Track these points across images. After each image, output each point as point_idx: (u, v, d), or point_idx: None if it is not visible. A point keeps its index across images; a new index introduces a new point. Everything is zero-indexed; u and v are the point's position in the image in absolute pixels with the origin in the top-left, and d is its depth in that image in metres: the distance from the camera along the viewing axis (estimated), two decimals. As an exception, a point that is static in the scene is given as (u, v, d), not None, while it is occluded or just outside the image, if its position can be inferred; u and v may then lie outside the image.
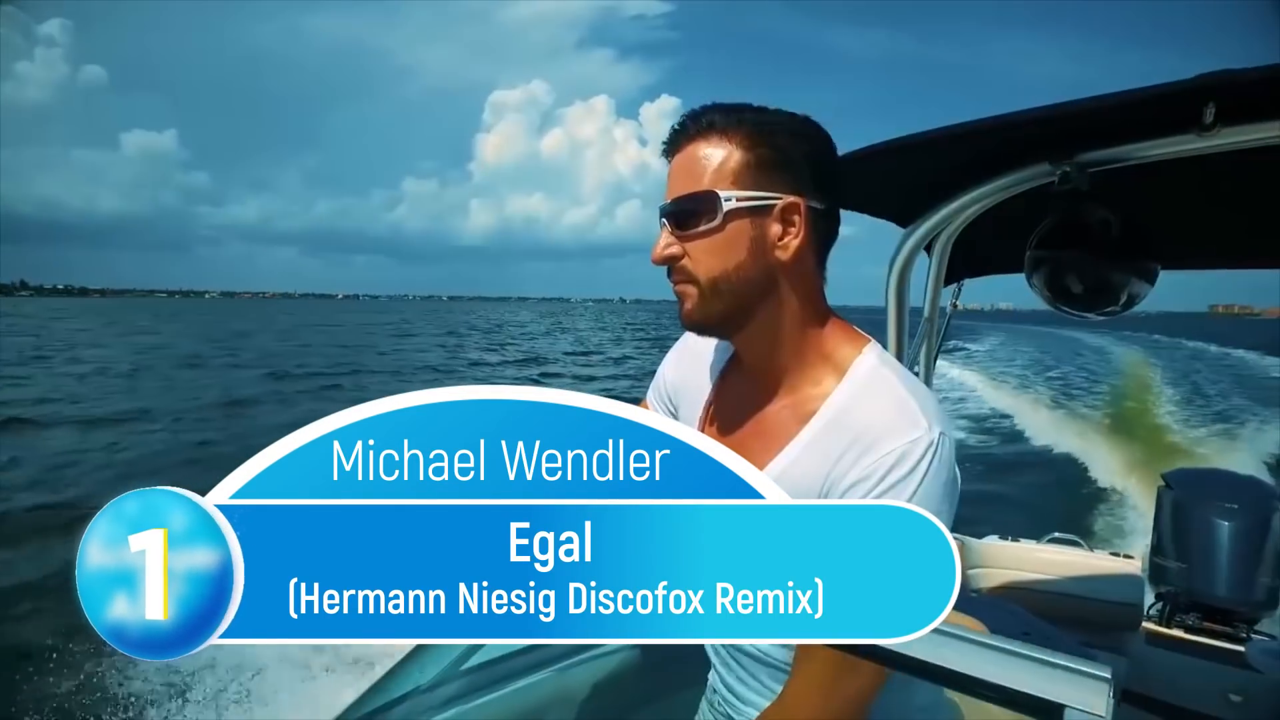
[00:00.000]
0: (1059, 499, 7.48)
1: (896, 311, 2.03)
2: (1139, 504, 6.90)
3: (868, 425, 0.81)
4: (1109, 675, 0.67)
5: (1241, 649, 2.37)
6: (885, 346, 1.95)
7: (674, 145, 0.84)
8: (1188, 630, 2.59)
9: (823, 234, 0.86)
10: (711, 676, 1.08)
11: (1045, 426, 11.67)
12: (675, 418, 1.06)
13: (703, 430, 0.99)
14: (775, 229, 0.82)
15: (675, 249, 0.83)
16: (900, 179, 1.62)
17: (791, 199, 0.81)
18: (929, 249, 1.93)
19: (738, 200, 0.80)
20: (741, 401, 0.94)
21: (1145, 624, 2.67)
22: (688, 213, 0.82)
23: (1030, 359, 22.06)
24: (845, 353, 0.86)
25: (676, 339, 1.08)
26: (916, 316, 2.09)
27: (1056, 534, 2.89)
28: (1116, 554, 2.80)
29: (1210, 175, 1.40)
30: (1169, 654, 2.53)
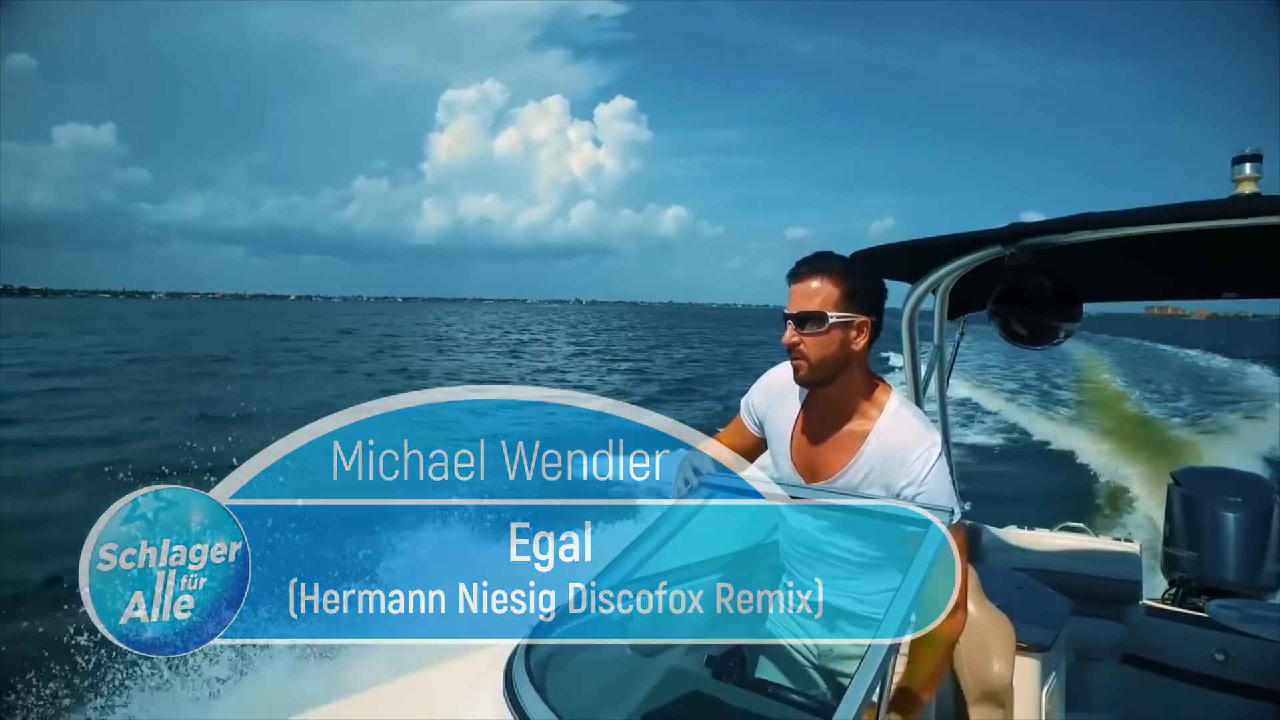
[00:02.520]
0: (1063, 490, 8.50)
1: (909, 341, 2.76)
2: (1132, 491, 7.94)
3: (901, 441, 1.47)
4: (951, 509, 1.33)
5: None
6: (901, 366, 2.91)
7: (795, 275, 1.48)
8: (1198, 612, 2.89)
9: (875, 332, 1.50)
10: (791, 569, 1.64)
11: (1038, 426, 12.80)
12: (762, 430, 1.69)
13: (792, 442, 1.61)
14: (852, 333, 1.47)
15: (797, 339, 1.47)
16: (909, 257, 2.44)
17: (862, 318, 1.47)
18: (934, 292, 2.65)
19: (835, 318, 1.45)
20: (820, 425, 1.57)
21: (1145, 600, 3.03)
22: (806, 320, 1.45)
23: (1000, 360, 23.40)
24: (881, 399, 1.53)
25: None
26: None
27: (1068, 523, 3.29)
28: (1119, 539, 3.17)
29: (1114, 242, 2.04)
30: (1164, 623, 2.92)
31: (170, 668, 3.66)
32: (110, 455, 9.13)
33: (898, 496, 1.47)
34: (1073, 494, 8.39)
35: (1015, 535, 3.19)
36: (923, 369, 2.90)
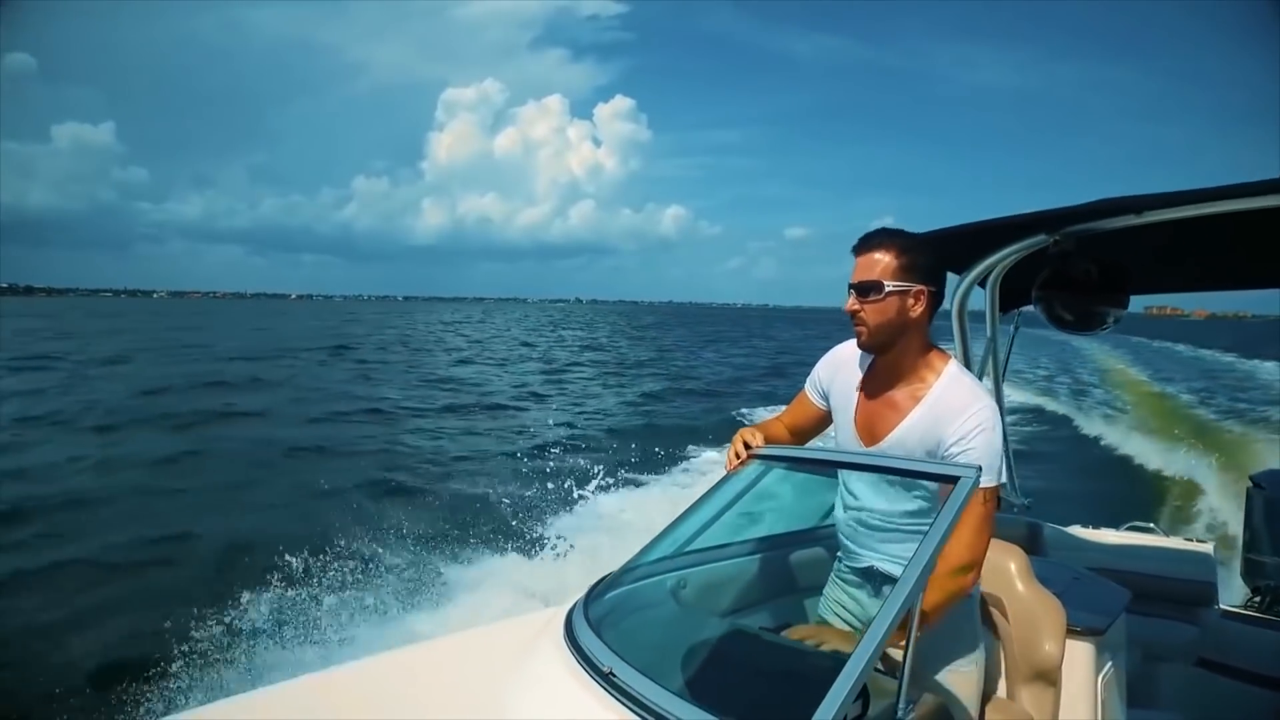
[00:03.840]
0: (1120, 491, 8.23)
1: (960, 333, 2.77)
2: (1202, 492, 7.75)
3: (954, 403, 1.50)
4: (976, 469, 1.36)
5: None
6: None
7: (859, 249, 1.55)
8: None
9: (934, 303, 1.55)
10: (844, 540, 1.71)
11: (1085, 423, 12.86)
12: (827, 400, 1.74)
13: (856, 404, 1.65)
14: (910, 301, 1.52)
15: (857, 306, 1.53)
16: (957, 246, 2.38)
17: (919, 288, 1.52)
18: (983, 284, 2.69)
19: (891, 287, 1.51)
20: (879, 388, 1.61)
21: (1221, 605, 2.89)
22: (866, 289, 1.52)
23: (1026, 360, 23.92)
24: (939, 364, 1.57)
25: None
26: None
27: (1135, 522, 3.17)
28: (1190, 539, 3.03)
29: (1164, 227, 1.97)
30: (1244, 628, 2.77)
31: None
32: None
33: (942, 456, 1.49)
34: (1132, 494, 8.21)
35: (1079, 533, 3.09)
36: (974, 367, 2.78)
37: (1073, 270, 2.30)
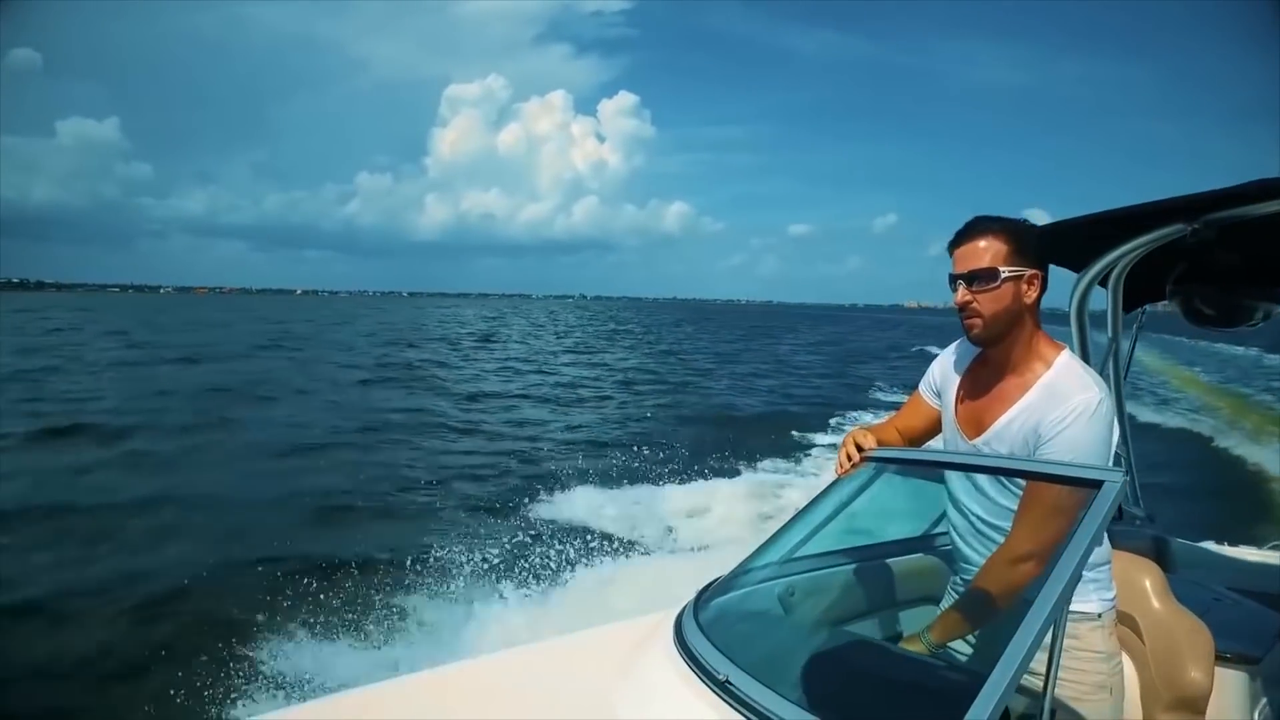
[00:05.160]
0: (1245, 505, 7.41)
1: (1079, 331, 2.53)
2: None
3: (1063, 390, 1.44)
4: (1121, 472, 1.20)
5: None
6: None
7: (960, 239, 1.50)
8: None
9: (1043, 288, 1.51)
10: (958, 551, 1.63)
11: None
12: (939, 396, 1.70)
13: (959, 396, 1.63)
14: (1024, 287, 1.48)
15: (969, 297, 1.48)
16: (1076, 241, 2.24)
17: (1031, 271, 1.48)
18: (1104, 283, 2.45)
19: (1006, 273, 1.46)
20: (985, 380, 1.58)
21: None
22: (978, 278, 1.47)
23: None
24: (1051, 353, 1.51)
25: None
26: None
27: None
28: None
29: None
30: None
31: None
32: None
33: (1035, 446, 1.44)
34: (1257, 508, 7.54)
35: (1215, 549, 2.86)
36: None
37: (1215, 262, 2.15)
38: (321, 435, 11.12)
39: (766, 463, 9.08)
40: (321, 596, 4.85)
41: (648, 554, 5.73)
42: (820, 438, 10.83)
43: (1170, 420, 12.34)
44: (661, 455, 8.82)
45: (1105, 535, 1.38)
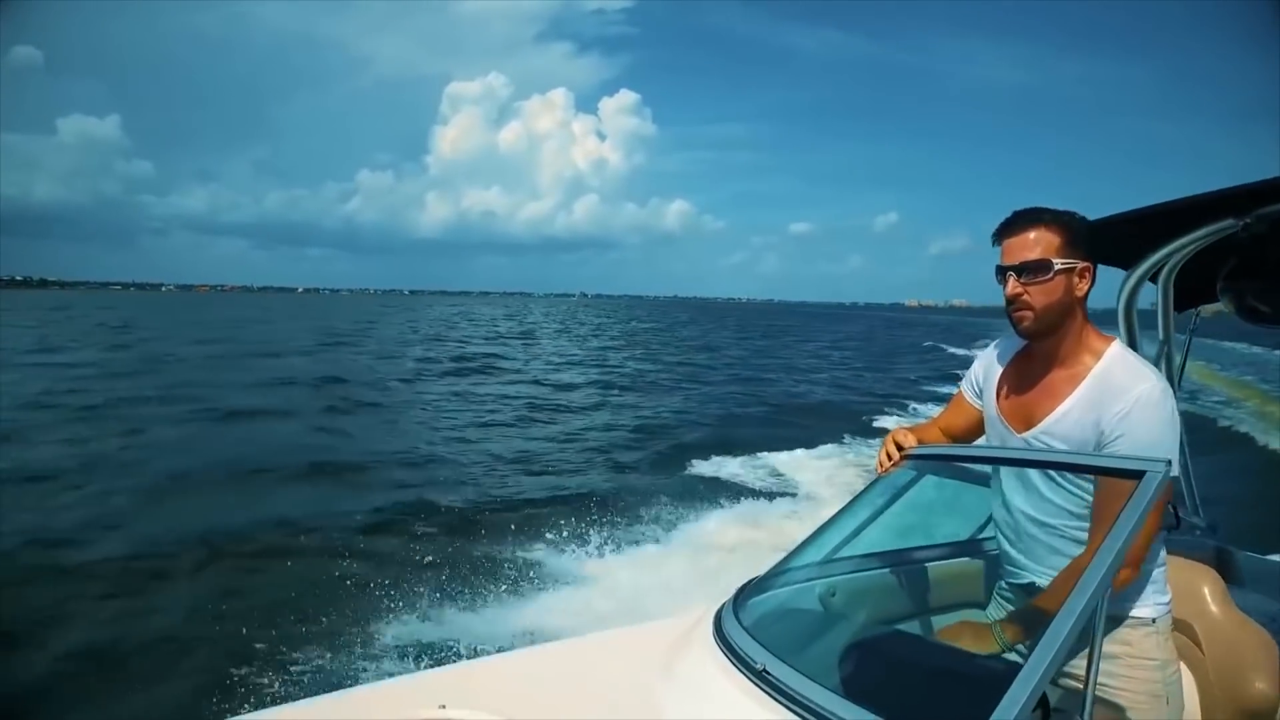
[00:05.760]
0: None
1: (1128, 331, 2.45)
2: None
3: (1119, 381, 1.39)
4: (1166, 462, 1.17)
5: None
6: None
7: (1008, 231, 1.45)
8: None
9: (1093, 281, 1.46)
10: (1004, 552, 1.58)
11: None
12: (981, 394, 1.65)
13: (1003, 391, 1.57)
14: (1076, 279, 1.44)
15: (1020, 290, 1.43)
16: (1123, 237, 2.14)
17: (1084, 263, 1.44)
18: (1154, 279, 2.35)
19: (1060, 264, 1.41)
20: (1032, 374, 1.53)
21: None
22: (1031, 270, 1.42)
23: None
24: (1100, 345, 1.46)
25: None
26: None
27: None
28: None
29: None
30: None
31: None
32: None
33: (1101, 439, 1.38)
34: None
35: None
36: None
37: (1268, 256, 2.06)
38: (465, 414, 13.09)
39: (845, 439, 10.91)
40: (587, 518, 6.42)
41: (770, 499, 7.52)
42: (889, 421, 12.72)
43: (1238, 425, 11.62)
44: (763, 430, 10.94)
45: (1160, 538, 1.40)
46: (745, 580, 1.76)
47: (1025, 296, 1.44)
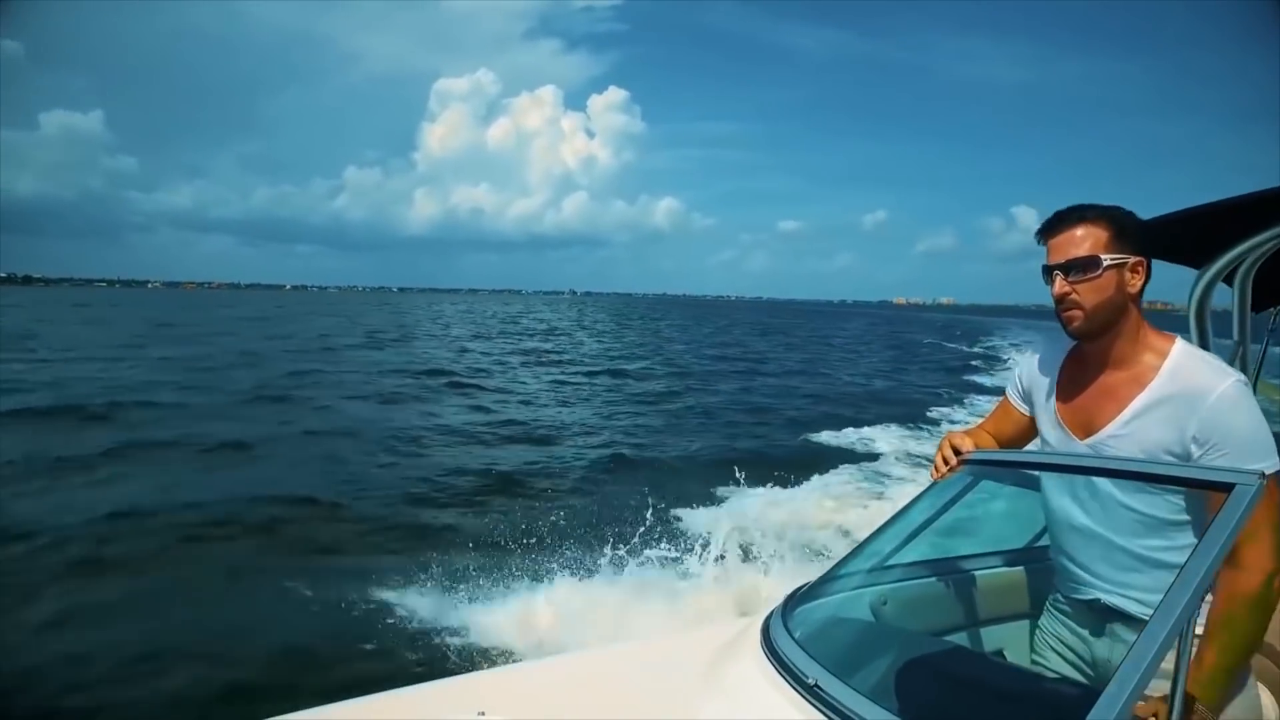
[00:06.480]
0: None
1: (1199, 333, 2.35)
2: None
3: (1196, 380, 1.29)
4: (1266, 471, 1.07)
5: None
6: None
7: (1056, 227, 1.39)
8: None
9: (1147, 276, 1.39)
10: (1062, 566, 1.51)
11: None
12: (1029, 401, 1.58)
13: (1058, 396, 1.49)
14: (1127, 275, 1.36)
15: (1067, 289, 1.37)
16: (1196, 234, 2.06)
17: (1135, 258, 1.36)
18: (1229, 280, 2.28)
19: (1109, 260, 1.34)
20: (1087, 377, 1.44)
21: None
22: (1078, 267, 1.35)
23: None
24: (1163, 344, 1.38)
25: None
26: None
27: None
28: None
29: None
30: None
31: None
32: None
33: (1190, 446, 1.28)
34: None
35: None
36: None
37: None
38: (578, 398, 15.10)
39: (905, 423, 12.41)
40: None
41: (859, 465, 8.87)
42: (943, 410, 14.07)
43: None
44: (853, 410, 12.83)
45: None
46: (796, 587, 1.72)
47: (1074, 295, 1.37)
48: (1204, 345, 2.30)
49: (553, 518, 6.07)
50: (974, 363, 26.08)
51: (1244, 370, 2.31)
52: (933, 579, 1.85)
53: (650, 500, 5.71)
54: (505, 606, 4.39)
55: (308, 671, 3.87)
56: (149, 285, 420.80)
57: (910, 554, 1.77)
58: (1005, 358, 26.96)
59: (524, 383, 17.09)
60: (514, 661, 3.60)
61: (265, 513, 6.50)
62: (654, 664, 1.69)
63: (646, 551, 5.04)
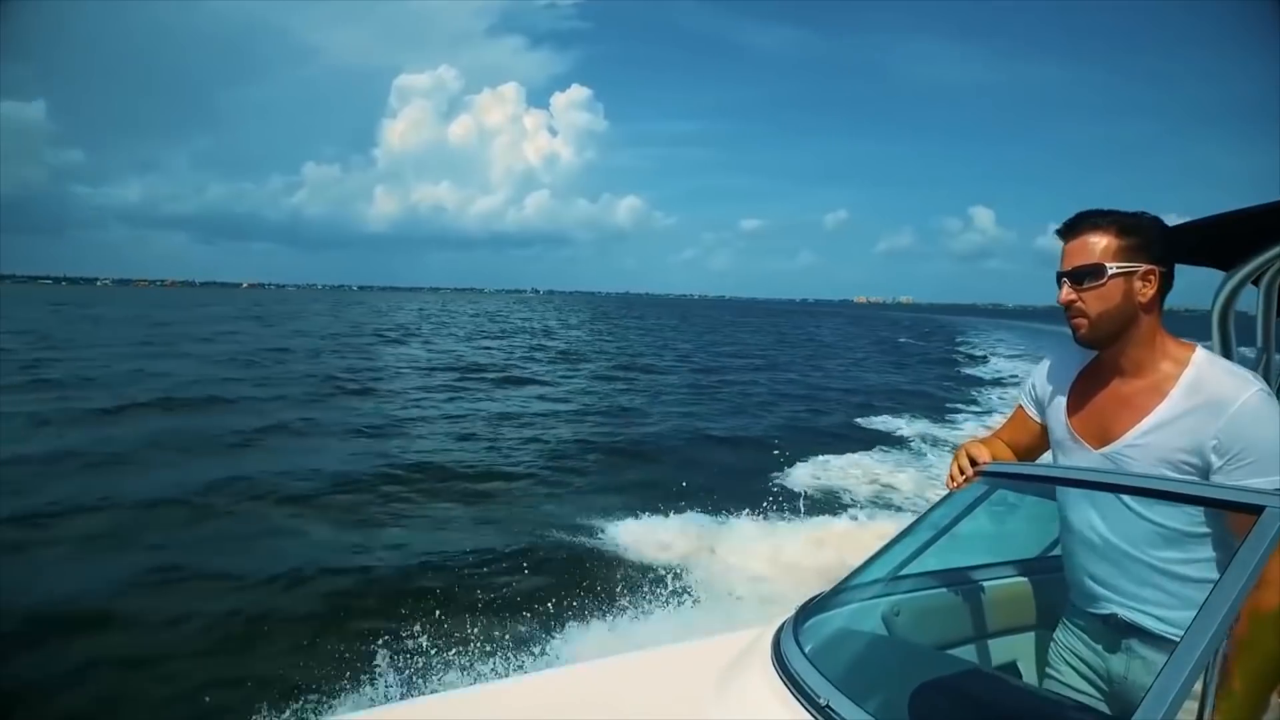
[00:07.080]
0: None
1: (1221, 338, 2.28)
2: None
3: (1218, 390, 1.27)
4: None
5: None
6: None
7: (1071, 232, 1.39)
8: None
9: (1165, 284, 1.37)
10: (1078, 579, 1.49)
11: None
12: (1043, 409, 1.57)
13: (1071, 410, 1.48)
14: (1138, 284, 1.35)
15: (1074, 296, 1.37)
16: (1223, 236, 2.04)
17: (1147, 267, 1.34)
18: (1255, 283, 2.23)
19: (1115, 269, 1.34)
20: (1103, 386, 1.43)
21: None
22: (1083, 275, 1.35)
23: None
24: (1182, 353, 1.36)
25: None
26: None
27: None
28: None
29: None
30: None
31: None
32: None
33: (1210, 457, 1.26)
34: None
35: None
36: None
37: None
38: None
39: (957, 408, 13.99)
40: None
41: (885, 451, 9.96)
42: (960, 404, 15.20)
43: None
44: (872, 408, 14.10)
45: None
46: (808, 598, 1.70)
47: (1079, 303, 1.37)
48: (1226, 353, 2.24)
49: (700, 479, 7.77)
50: (957, 358, 27.76)
51: (1268, 380, 2.29)
52: (946, 589, 1.84)
53: (779, 461, 7.47)
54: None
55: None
56: (99, 283, 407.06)
57: (925, 564, 1.76)
58: (983, 354, 28.70)
59: (567, 378, 18.11)
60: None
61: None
62: (662, 674, 1.67)
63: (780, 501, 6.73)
